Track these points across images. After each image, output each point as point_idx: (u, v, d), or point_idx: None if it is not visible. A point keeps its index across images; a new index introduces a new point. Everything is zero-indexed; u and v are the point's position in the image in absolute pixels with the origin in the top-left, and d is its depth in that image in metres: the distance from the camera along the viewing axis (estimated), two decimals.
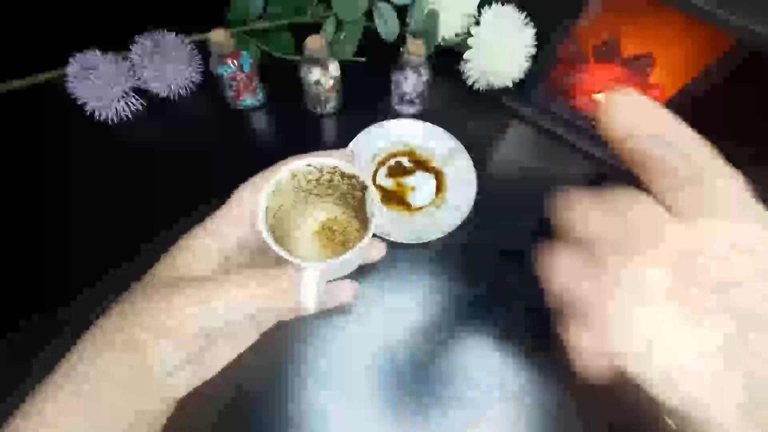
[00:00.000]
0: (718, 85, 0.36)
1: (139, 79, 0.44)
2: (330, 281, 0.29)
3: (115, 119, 0.44)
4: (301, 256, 0.30)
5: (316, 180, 0.29)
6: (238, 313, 0.21)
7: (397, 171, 0.44)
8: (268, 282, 0.22)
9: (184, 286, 0.21)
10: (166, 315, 0.21)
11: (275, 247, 0.24)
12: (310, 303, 0.22)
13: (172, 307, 0.21)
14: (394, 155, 0.45)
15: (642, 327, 0.15)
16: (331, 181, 0.29)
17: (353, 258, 0.26)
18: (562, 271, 0.18)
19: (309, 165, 0.27)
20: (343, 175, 0.28)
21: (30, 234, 0.39)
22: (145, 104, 0.45)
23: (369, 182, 0.27)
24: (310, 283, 0.22)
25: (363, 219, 0.30)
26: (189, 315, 0.21)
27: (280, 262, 0.24)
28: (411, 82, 0.44)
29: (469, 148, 0.44)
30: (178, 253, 0.24)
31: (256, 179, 0.27)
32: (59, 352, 0.21)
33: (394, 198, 0.43)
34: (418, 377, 0.35)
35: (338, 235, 0.32)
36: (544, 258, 0.18)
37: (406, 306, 0.38)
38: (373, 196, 0.27)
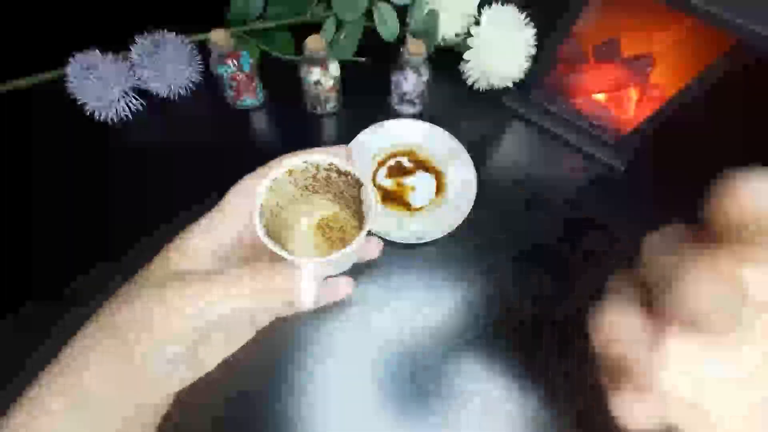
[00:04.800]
0: (718, 85, 0.36)
1: (139, 79, 0.44)
2: (327, 278, 0.29)
3: (115, 119, 0.44)
4: (297, 252, 0.30)
5: (313, 177, 0.29)
6: (231, 310, 0.21)
7: (397, 171, 0.44)
8: (262, 279, 0.22)
9: (177, 282, 0.21)
10: (158, 311, 0.21)
11: (271, 245, 0.24)
12: (306, 300, 0.22)
13: (164, 303, 0.21)
14: (394, 155, 0.45)
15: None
16: (328, 178, 0.29)
17: (349, 255, 0.26)
18: (619, 335, 0.15)
19: (305, 162, 0.27)
20: (339, 172, 0.28)
21: (29, 233, 0.39)
22: (145, 104, 0.45)
23: (365, 179, 0.27)
24: (306, 279, 0.22)
25: (360, 215, 0.30)
26: (180, 311, 0.21)
27: (275, 259, 0.24)
28: (411, 82, 0.44)
29: (469, 148, 0.44)
30: (172, 251, 0.24)
31: (252, 177, 0.27)
32: (55, 345, 0.21)
33: (394, 198, 0.43)
34: (418, 376, 0.35)
35: (335, 232, 0.32)
36: (600, 319, 0.16)
37: (406, 306, 0.38)
38: (370, 193, 0.27)
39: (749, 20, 0.31)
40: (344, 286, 0.29)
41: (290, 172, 0.27)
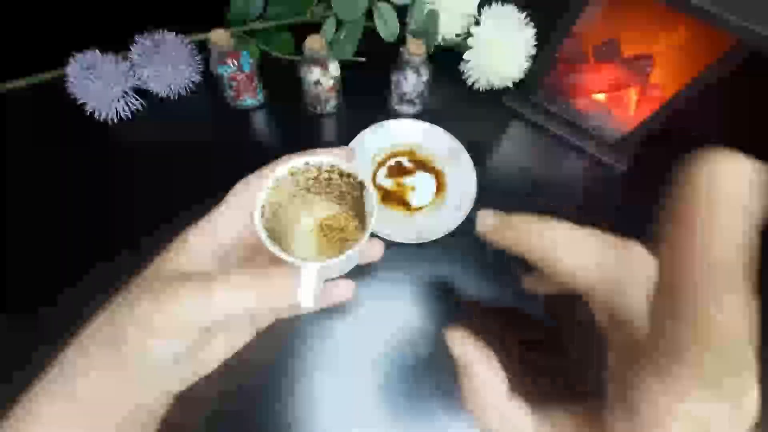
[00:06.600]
0: (718, 85, 0.36)
1: (139, 79, 0.44)
2: (328, 280, 0.29)
3: (115, 119, 0.44)
4: (299, 253, 0.30)
5: (315, 178, 0.29)
6: (231, 311, 0.21)
7: (397, 171, 0.44)
8: (263, 280, 0.22)
9: (179, 283, 0.21)
10: (159, 311, 0.21)
11: (271, 247, 0.24)
12: (306, 302, 0.22)
13: (165, 303, 0.21)
14: (394, 155, 0.45)
15: None
16: (329, 179, 0.29)
17: (351, 257, 0.26)
18: None
19: (307, 163, 0.27)
20: (341, 173, 0.28)
21: (29, 233, 0.39)
22: (145, 104, 0.45)
23: (368, 181, 0.27)
24: (306, 282, 0.22)
25: (362, 217, 0.30)
26: (181, 311, 0.21)
27: (276, 259, 0.24)
28: (411, 82, 0.44)
29: (469, 148, 0.44)
30: (174, 251, 0.24)
31: (254, 177, 0.27)
32: (53, 347, 0.21)
33: (394, 198, 0.43)
34: (418, 376, 0.35)
35: (337, 233, 0.32)
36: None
37: (406, 306, 0.38)
38: (372, 194, 0.27)
39: (749, 20, 0.31)
40: (345, 289, 0.29)
41: (292, 172, 0.27)
